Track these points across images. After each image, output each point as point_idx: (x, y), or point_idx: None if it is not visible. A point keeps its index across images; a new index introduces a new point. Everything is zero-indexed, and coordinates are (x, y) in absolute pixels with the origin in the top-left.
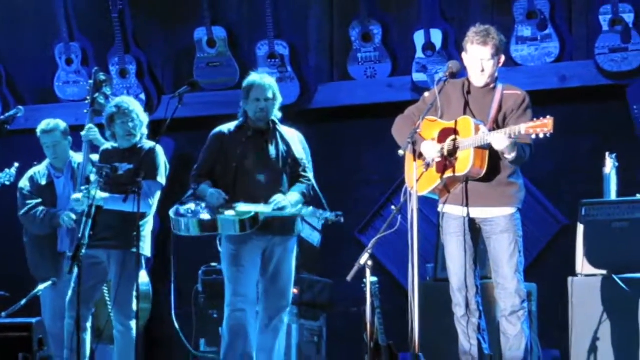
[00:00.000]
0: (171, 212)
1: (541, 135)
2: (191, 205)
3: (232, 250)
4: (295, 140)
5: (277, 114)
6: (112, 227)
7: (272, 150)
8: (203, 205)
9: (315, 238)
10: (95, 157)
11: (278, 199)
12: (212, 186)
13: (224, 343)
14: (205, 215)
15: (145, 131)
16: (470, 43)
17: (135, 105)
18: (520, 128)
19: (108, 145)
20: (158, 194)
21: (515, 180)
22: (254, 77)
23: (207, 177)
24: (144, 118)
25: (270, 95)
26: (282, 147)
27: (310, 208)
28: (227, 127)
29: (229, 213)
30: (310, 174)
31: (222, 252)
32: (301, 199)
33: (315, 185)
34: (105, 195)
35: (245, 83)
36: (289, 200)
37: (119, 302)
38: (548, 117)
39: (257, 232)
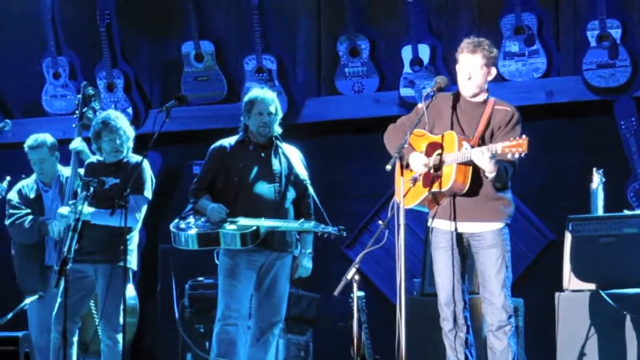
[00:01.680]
0: (172, 226)
1: (517, 155)
2: (191, 219)
3: (229, 264)
4: (295, 157)
5: (277, 129)
6: (99, 242)
7: (274, 164)
8: (203, 219)
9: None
10: (82, 171)
11: (302, 272)
12: (212, 200)
13: (213, 356)
14: (206, 230)
15: (131, 144)
16: (461, 52)
17: (121, 122)
18: (497, 147)
19: (94, 158)
20: (144, 208)
21: (504, 195)
22: (256, 91)
23: (207, 191)
24: (131, 133)
25: (272, 109)
26: (283, 162)
27: (313, 223)
28: (228, 141)
29: (230, 227)
30: (311, 191)
31: (219, 265)
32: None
33: (316, 199)
34: (92, 210)
35: (247, 97)
36: (307, 263)
37: (106, 316)
38: (523, 136)
39: (256, 247)
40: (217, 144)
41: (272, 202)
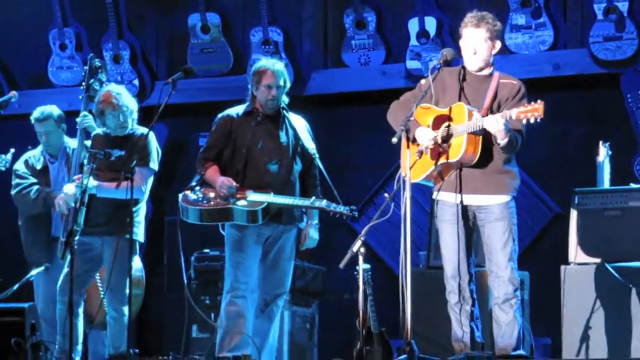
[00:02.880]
0: (180, 199)
1: (532, 120)
2: (200, 193)
3: (237, 235)
4: (302, 128)
5: (284, 99)
6: (106, 214)
7: (282, 137)
8: (212, 194)
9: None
10: (89, 143)
11: (310, 243)
12: (220, 172)
13: (222, 328)
14: (217, 205)
15: (135, 116)
16: (465, 26)
17: (124, 98)
18: (511, 113)
19: (99, 130)
20: (150, 180)
21: (511, 168)
22: (265, 62)
23: (215, 161)
24: (134, 106)
25: (281, 82)
26: (291, 134)
27: (324, 201)
28: (235, 110)
29: (241, 203)
30: (319, 164)
31: (225, 236)
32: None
33: (324, 172)
34: (97, 183)
35: (255, 68)
36: (314, 234)
37: (112, 288)
38: (539, 101)
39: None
40: (225, 113)
41: (279, 176)
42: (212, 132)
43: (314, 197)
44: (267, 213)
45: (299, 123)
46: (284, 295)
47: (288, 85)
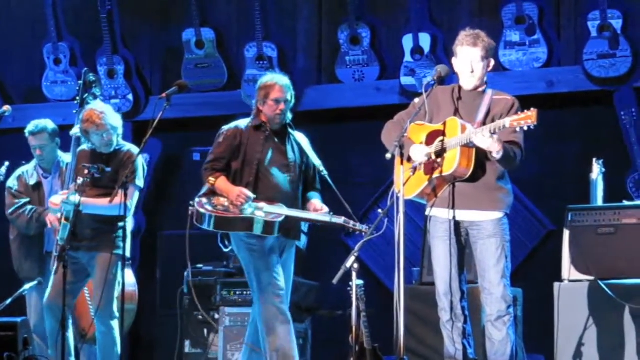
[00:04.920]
0: (195, 204)
1: (525, 128)
2: (214, 201)
3: (257, 244)
4: (306, 144)
5: (289, 116)
6: (92, 229)
7: (289, 152)
8: (226, 202)
9: (302, 241)
10: None
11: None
12: (230, 183)
13: (263, 340)
14: (234, 213)
15: (120, 132)
16: (460, 45)
17: (107, 117)
18: (504, 122)
19: (85, 146)
20: (136, 197)
21: (504, 184)
22: (272, 77)
23: (223, 172)
24: (118, 123)
25: (289, 97)
26: (296, 150)
27: (343, 218)
28: (243, 123)
29: (259, 213)
30: (327, 179)
31: (243, 246)
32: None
33: (336, 190)
34: (81, 198)
35: (262, 82)
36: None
37: (100, 303)
38: (532, 109)
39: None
40: (232, 125)
41: (288, 190)
42: (219, 143)
43: (332, 213)
44: (282, 227)
45: (303, 140)
46: None
47: (293, 100)
